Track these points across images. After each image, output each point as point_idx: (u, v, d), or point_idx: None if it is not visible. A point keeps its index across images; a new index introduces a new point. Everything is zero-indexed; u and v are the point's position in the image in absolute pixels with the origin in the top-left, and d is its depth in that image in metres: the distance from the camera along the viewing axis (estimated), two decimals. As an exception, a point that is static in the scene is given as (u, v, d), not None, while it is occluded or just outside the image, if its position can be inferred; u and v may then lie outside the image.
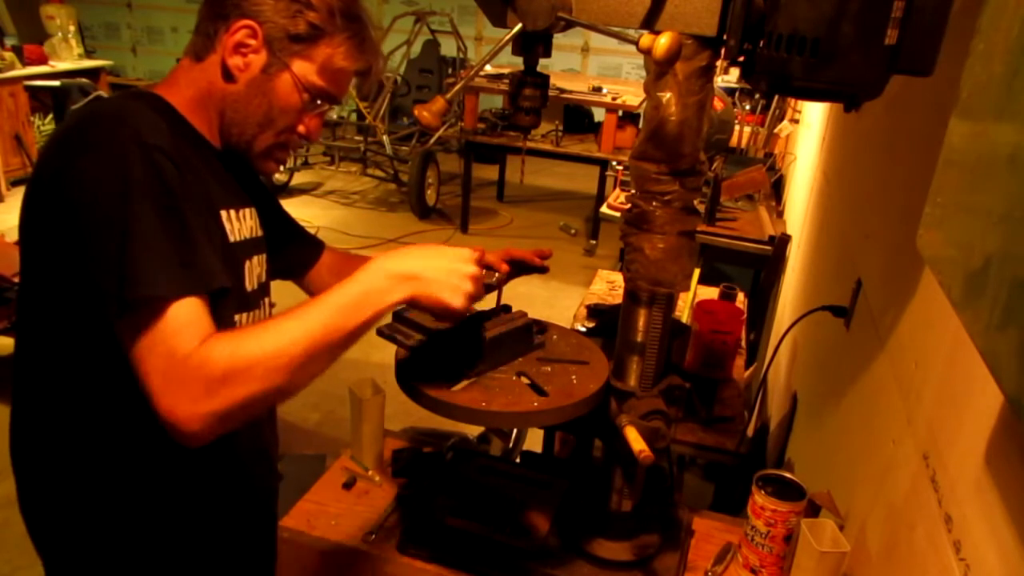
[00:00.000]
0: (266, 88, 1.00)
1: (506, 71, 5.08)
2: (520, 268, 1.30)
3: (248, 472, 1.15)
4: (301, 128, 1.05)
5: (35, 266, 0.94)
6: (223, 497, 1.09)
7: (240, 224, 1.05)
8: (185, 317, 0.84)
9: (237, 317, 1.05)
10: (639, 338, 1.12)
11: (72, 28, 6.54)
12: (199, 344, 0.83)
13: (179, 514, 1.03)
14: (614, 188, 3.92)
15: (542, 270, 1.32)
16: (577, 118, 5.85)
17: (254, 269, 1.09)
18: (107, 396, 0.95)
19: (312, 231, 1.38)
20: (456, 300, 0.94)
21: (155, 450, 0.98)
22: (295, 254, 1.31)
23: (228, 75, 0.99)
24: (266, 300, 1.14)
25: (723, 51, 0.97)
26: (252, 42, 0.97)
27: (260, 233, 1.11)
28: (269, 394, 0.86)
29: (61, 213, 0.87)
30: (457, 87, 1.10)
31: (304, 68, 1.00)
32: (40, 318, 0.97)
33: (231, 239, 1.02)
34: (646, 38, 0.86)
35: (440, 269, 0.94)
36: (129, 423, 0.96)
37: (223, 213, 1.02)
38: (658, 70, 0.96)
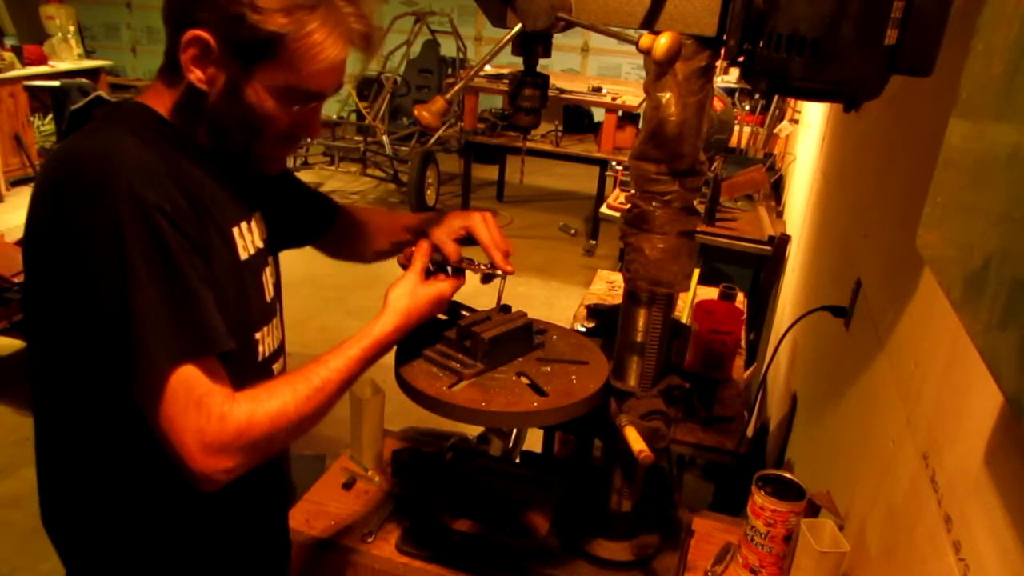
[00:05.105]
0: (239, 101, 0.89)
1: (506, 71, 5.07)
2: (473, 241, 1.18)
3: (261, 481, 1.13)
4: (297, 130, 0.97)
5: (38, 291, 0.91)
6: (238, 505, 1.08)
7: (251, 236, 1.03)
8: (207, 377, 0.85)
9: (258, 335, 1.04)
10: (639, 338, 1.12)
11: (72, 28, 6.54)
12: (230, 404, 0.86)
13: (195, 521, 1.02)
14: (614, 188, 3.92)
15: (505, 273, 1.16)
16: (577, 118, 5.85)
17: (268, 278, 1.08)
18: (122, 411, 0.92)
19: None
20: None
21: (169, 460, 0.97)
22: (312, 220, 1.29)
23: (197, 89, 0.90)
24: (279, 304, 1.13)
25: (723, 51, 0.97)
26: (207, 55, 0.87)
27: (266, 235, 1.09)
28: (297, 438, 0.95)
29: (59, 266, 0.84)
30: (457, 87, 1.10)
31: (274, 76, 0.88)
32: (45, 338, 0.95)
33: (243, 256, 1.00)
34: (646, 38, 0.86)
35: (420, 309, 1.06)
36: (145, 436, 0.95)
37: (235, 231, 0.99)
38: (658, 70, 0.96)
